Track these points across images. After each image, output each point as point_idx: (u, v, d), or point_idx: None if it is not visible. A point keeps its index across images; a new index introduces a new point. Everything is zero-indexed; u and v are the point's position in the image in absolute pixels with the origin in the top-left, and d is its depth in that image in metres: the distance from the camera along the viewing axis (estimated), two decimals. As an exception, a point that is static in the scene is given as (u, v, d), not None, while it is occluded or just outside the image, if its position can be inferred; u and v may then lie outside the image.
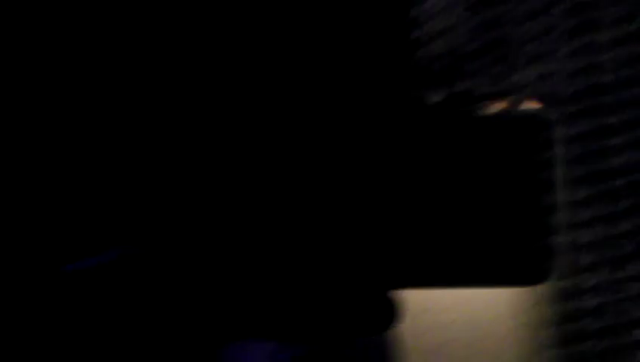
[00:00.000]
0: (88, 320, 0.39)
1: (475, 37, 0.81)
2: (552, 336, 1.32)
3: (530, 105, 1.54)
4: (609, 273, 1.03)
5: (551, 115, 0.43)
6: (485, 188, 0.42)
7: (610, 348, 1.15)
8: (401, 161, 0.38)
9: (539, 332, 1.52)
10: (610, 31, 0.96)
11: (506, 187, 0.42)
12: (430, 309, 1.67)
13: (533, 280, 0.46)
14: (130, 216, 0.47)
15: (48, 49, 0.45)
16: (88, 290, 0.40)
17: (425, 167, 0.40)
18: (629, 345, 1.14)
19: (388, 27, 0.72)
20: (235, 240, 0.38)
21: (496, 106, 1.57)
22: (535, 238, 0.43)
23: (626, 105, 1.00)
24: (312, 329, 0.41)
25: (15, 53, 0.44)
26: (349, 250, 0.37)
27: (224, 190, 0.38)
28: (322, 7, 0.48)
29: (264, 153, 0.38)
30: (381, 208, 0.39)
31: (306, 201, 0.37)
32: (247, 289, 0.38)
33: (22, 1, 0.45)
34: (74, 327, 0.39)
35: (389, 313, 0.42)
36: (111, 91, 0.48)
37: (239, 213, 0.38)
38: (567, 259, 1.03)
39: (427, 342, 1.66)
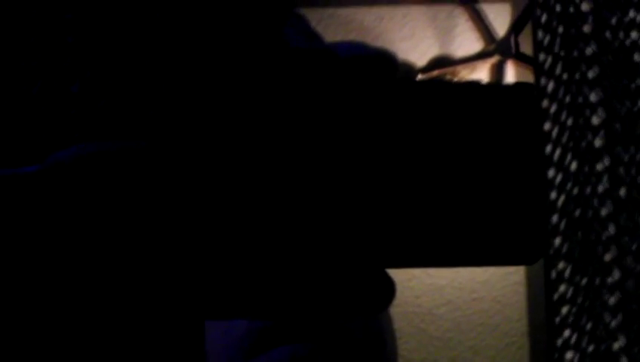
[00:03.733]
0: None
1: None
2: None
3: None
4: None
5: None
6: (472, 165, 0.42)
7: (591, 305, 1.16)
8: (389, 139, 0.38)
9: (528, 293, 1.49)
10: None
11: (492, 165, 0.43)
12: (418, 276, 1.67)
13: (525, 259, 0.45)
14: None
15: None
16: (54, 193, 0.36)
17: (408, 142, 0.38)
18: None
19: None
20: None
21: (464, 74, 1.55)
22: (525, 215, 0.39)
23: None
24: (304, 311, 0.39)
25: None
26: (334, 228, 0.38)
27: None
28: None
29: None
30: (370, 184, 0.38)
31: (293, 179, 0.37)
32: (235, 266, 0.38)
33: None
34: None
35: (383, 291, 0.39)
36: None
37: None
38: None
39: (420, 306, 1.65)
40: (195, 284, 0.38)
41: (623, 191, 1.20)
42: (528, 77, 1.48)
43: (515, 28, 1.60)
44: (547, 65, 1.17)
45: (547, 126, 1.13)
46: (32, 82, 0.46)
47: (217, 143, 0.38)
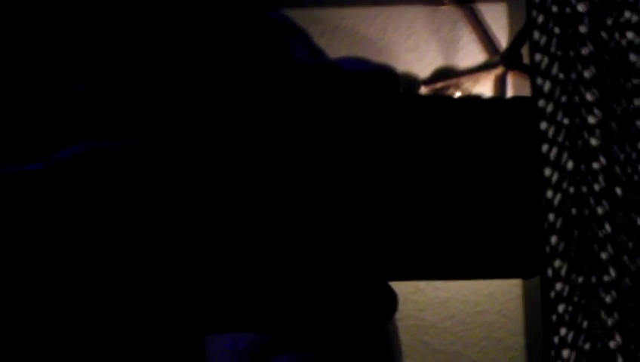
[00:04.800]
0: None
1: None
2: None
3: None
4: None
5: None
6: (473, 179, 0.43)
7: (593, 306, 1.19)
8: (391, 153, 0.40)
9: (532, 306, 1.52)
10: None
11: (493, 180, 0.44)
12: (423, 289, 1.70)
13: (524, 273, 0.46)
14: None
15: None
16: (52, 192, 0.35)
17: (409, 157, 0.40)
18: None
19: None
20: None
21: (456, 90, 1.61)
22: (523, 230, 0.43)
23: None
24: (309, 324, 0.40)
25: None
26: (340, 240, 0.39)
27: None
28: None
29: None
30: (374, 200, 0.39)
31: (298, 193, 0.38)
32: (238, 279, 0.37)
33: None
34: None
35: (386, 303, 0.43)
36: None
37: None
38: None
39: (424, 319, 1.69)
40: (198, 297, 0.37)
41: (619, 190, 1.22)
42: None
43: (520, 38, 1.63)
44: (543, 65, 1.19)
45: (543, 125, 1.15)
46: (37, 82, 0.46)
47: (222, 157, 0.39)
